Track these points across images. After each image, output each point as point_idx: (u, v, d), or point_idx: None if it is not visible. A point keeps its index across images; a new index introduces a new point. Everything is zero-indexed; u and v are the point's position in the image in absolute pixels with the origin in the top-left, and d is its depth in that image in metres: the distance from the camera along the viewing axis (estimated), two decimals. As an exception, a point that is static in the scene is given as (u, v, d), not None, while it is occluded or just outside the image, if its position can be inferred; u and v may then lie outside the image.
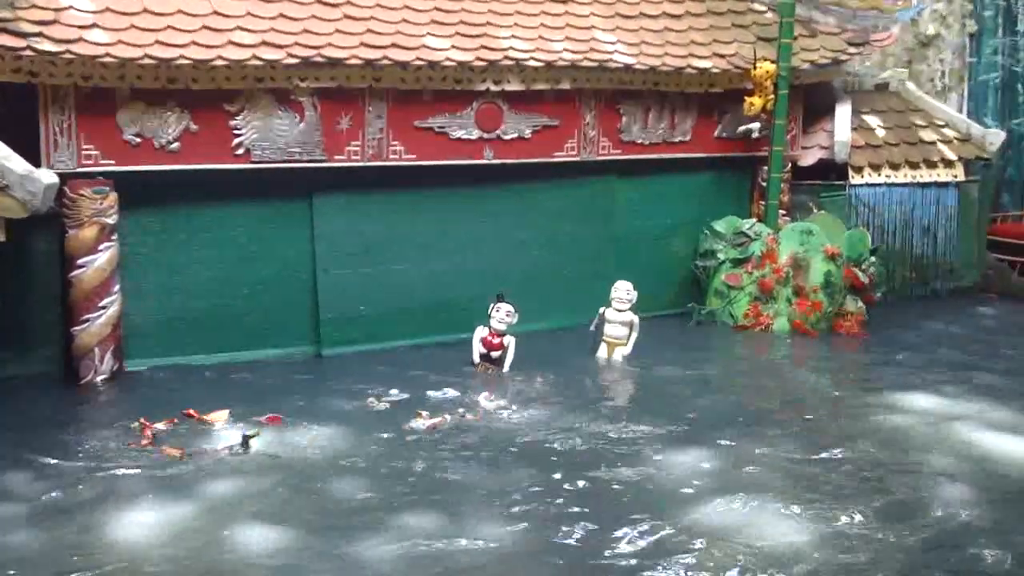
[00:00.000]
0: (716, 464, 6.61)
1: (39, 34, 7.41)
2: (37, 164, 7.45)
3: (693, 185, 10.81)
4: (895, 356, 9.39)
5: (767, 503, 5.98)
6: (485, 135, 9.41)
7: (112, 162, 8.03)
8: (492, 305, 8.56)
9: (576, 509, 5.88)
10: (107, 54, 7.61)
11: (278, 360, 8.92)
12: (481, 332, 8.63)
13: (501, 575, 5.16)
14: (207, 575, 5.10)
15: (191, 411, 7.27)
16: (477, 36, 9.13)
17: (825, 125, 11.33)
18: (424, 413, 7.35)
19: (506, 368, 8.59)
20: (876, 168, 11.32)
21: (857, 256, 10.29)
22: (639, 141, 10.26)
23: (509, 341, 8.62)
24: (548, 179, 9.97)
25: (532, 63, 9.26)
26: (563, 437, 7.10)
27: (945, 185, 11.62)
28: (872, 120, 11.63)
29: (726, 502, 5.98)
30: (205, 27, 8.07)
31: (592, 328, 8.97)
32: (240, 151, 8.44)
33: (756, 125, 10.60)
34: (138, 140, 8.09)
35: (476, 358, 8.61)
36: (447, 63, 8.86)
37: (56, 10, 7.59)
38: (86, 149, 7.93)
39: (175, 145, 8.20)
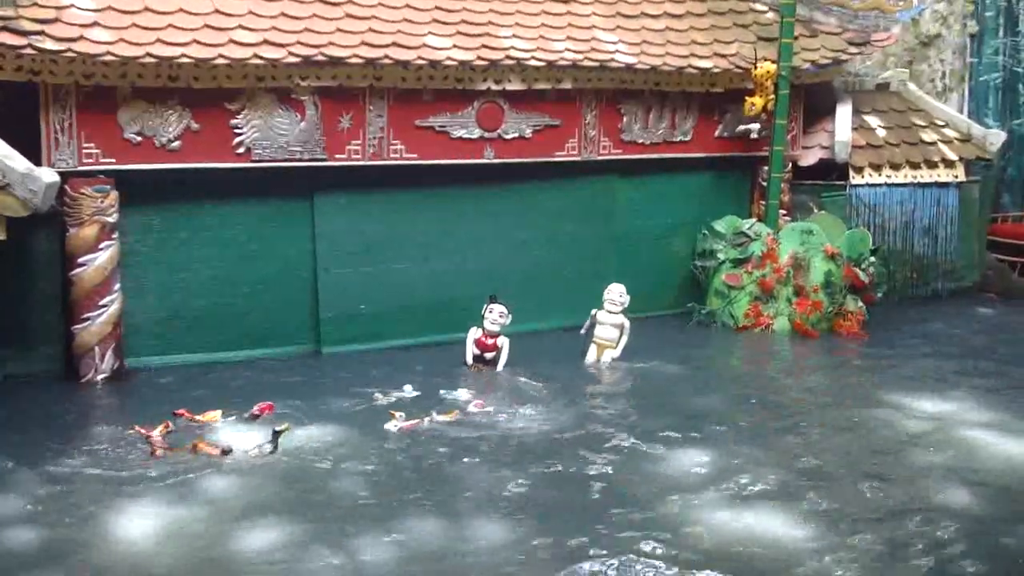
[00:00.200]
0: (715, 464, 6.61)
1: (40, 32, 7.41)
2: (38, 163, 7.46)
3: (694, 185, 10.81)
4: (895, 356, 9.39)
5: (765, 502, 5.98)
6: (486, 134, 9.42)
7: (113, 161, 8.03)
8: (485, 306, 8.56)
9: (574, 509, 5.88)
10: (108, 52, 7.61)
11: (278, 359, 8.93)
12: (475, 333, 8.64)
13: (501, 574, 5.16)
14: (207, 574, 5.10)
15: (183, 411, 7.25)
16: (478, 35, 9.13)
17: (826, 125, 11.33)
18: (398, 414, 7.30)
19: (499, 369, 8.57)
20: (877, 168, 11.32)
21: (857, 256, 10.29)
22: (640, 141, 10.26)
23: (503, 342, 8.62)
24: (549, 179, 9.97)
25: (533, 63, 9.26)
26: (561, 437, 7.11)
27: (946, 185, 11.61)
28: (873, 120, 11.63)
29: (725, 502, 5.98)
30: (206, 26, 8.07)
31: (583, 332, 8.96)
32: (241, 150, 8.44)
33: (756, 125, 10.60)
34: (139, 139, 8.09)
35: (469, 359, 8.62)
36: (448, 62, 8.86)
37: (57, 8, 7.59)
38: (87, 148, 7.93)
39: (176, 144, 8.21)
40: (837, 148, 11.06)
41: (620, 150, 10.19)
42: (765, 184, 10.76)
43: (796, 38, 10.36)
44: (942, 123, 11.95)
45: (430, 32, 8.93)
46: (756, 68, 10.13)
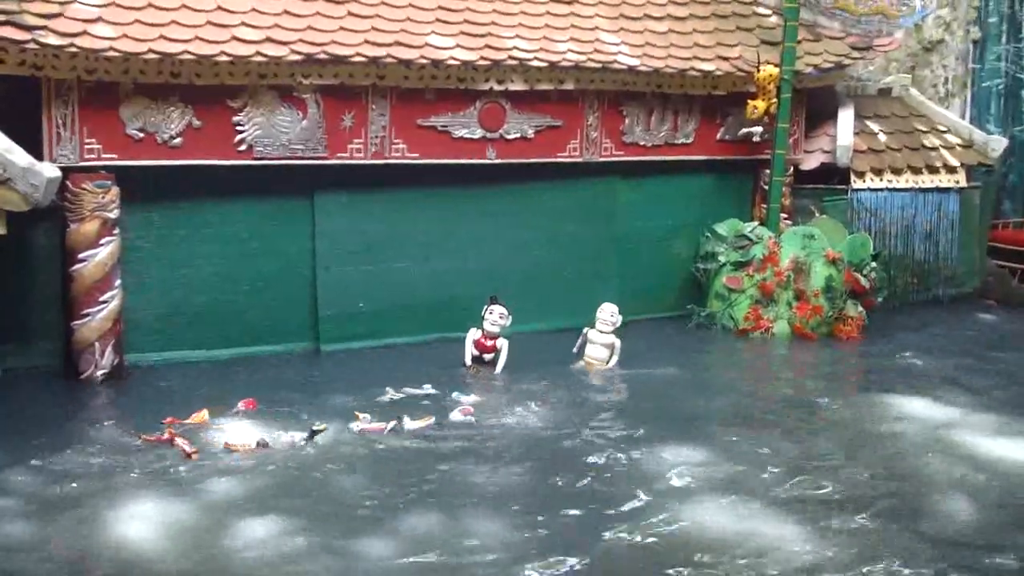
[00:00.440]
0: (713, 466, 6.61)
1: (44, 27, 7.40)
2: (39, 157, 7.45)
3: (695, 187, 10.81)
4: (894, 361, 9.40)
5: (762, 506, 5.98)
6: (488, 135, 9.41)
7: (114, 156, 8.02)
8: (486, 307, 8.54)
9: (572, 509, 5.88)
10: (111, 48, 7.61)
11: (277, 356, 8.94)
12: (474, 334, 8.61)
13: (499, 573, 5.16)
14: (206, 573, 5.10)
15: (171, 419, 7.14)
16: (481, 35, 9.12)
17: (828, 129, 11.33)
18: (363, 416, 7.23)
19: (498, 370, 8.55)
20: (878, 173, 11.32)
21: (858, 261, 10.29)
22: (642, 143, 10.26)
23: (502, 344, 8.59)
24: (550, 179, 9.97)
25: (536, 63, 9.26)
26: (560, 437, 7.11)
27: (947, 191, 11.61)
28: (875, 125, 11.63)
29: (722, 504, 5.99)
30: (209, 23, 8.07)
31: (575, 351, 8.92)
32: (243, 147, 8.43)
33: (759, 128, 10.60)
34: (141, 135, 8.09)
35: (468, 360, 8.60)
36: (451, 62, 8.85)
37: (61, 4, 7.57)
38: (89, 143, 7.93)
39: (178, 140, 8.20)
40: (839, 152, 11.06)
41: (622, 152, 10.19)
42: (766, 187, 10.76)
43: (799, 42, 10.36)
44: (944, 129, 11.96)
45: (433, 32, 8.93)
46: (759, 71, 10.12)
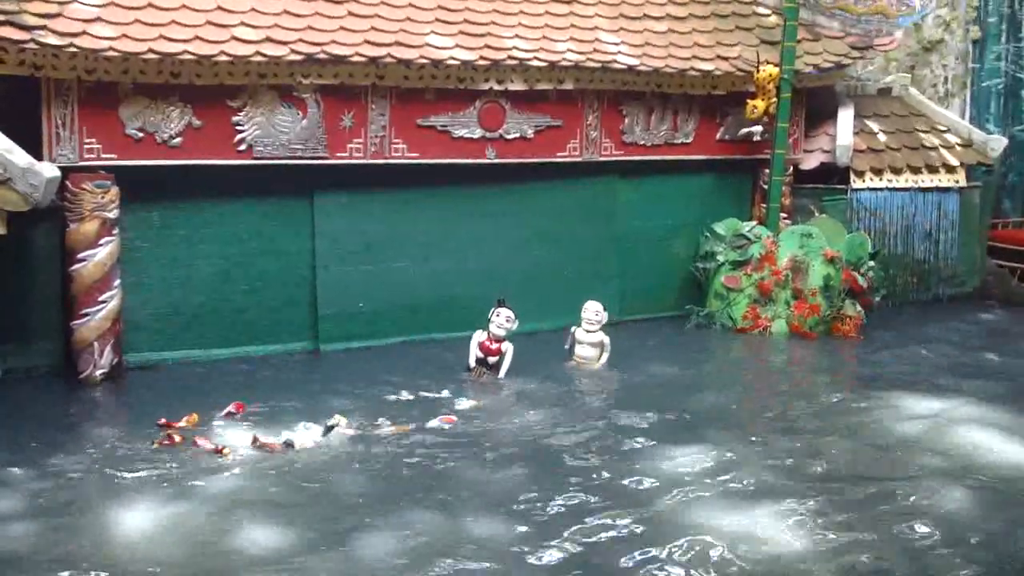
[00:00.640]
0: (711, 465, 6.60)
1: (43, 27, 7.41)
2: (39, 157, 7.46)
3: (695, 187, 10.81)
4: (892, 360, 9.40)
5: (761, 504, 5.98)
6: (487, 134, 9.42)
7: (114, 156, 8.03)
8: (493, 310, 8.50)
9: (571, 510, 5.88)
10: (111, 48, 7.61)
11: (276, 356, 8.94)
12: (479, 337, 8.55)
13: (498, 573, 5.16)
14: (206, 574, 5.10)
15: (164, 420, 7.11)
16: (481, 35, 9.13)
17: (827, 129, 11.34)
18: (342, 420, 7.16)
19: (502, 374, 8.50)
20: (878, 172, 11.32)
21: (856, 260, 10.30)
22: (641, 142, 10.26)
23: (507, 348, 8.54)
24: (550, 179, 9.97)
25: (535, 63, 9.27)
26: (559, 437, 7.11)
27: (947, 190, 11.62)
28: (874, 124, 11.63)
29: (722, 503, 5.98)
30: (209, 22, 8.07)
31: (567, 347, 8.90)
32: (242, 147, 8.44)
33: (758, 128, 10.60)
34: (140, 135, 8.09)
35: (472, 362, 8.55)
36: (450, 62, 8.86)
37: (60, 3, 7.58)
38: (88, 143, 7.93)
39: (177, 140, 8.20)
40: (838, 152, 11.06)
41: (621, 151, 10.19)
42: (766, 187, 10.77)
43: (799, 42, 10.36)
44: (944, 128, 11.96)
45: (432, 31, 8.93)
46: (758, 71, 10.13)
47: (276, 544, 5.39)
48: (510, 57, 9.15)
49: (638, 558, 5.27)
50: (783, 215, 10.79)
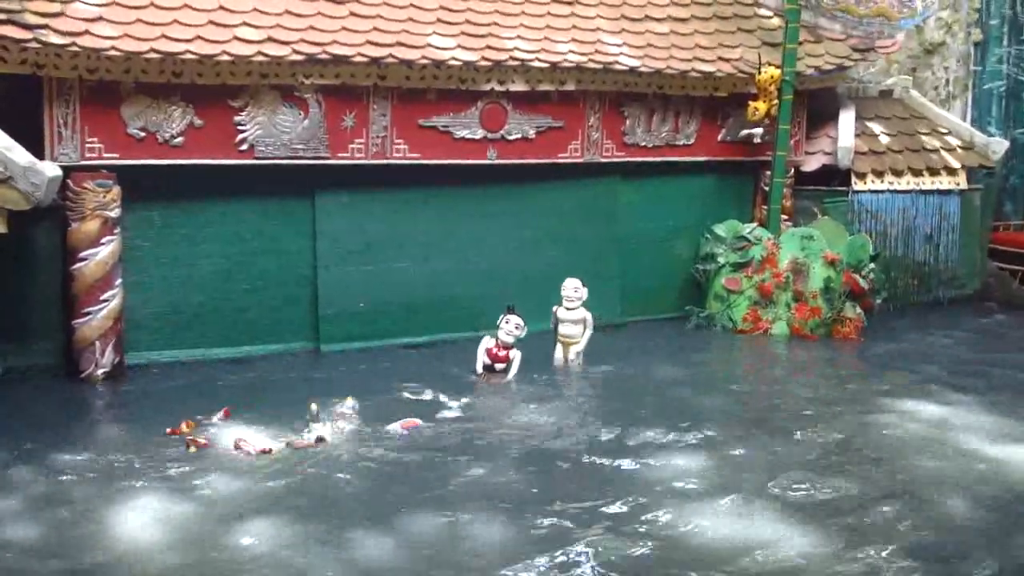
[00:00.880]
0: (711, 467, 6.61)
1: (45, 26, 7.41)
2: (41, 156, 7.45)
3: (696, 188, 10.82)
4: (892, 362, 9.40)
5: (761, 505, 5.99)
6: (489, 135, 9.42)
7: (116, 156, 8.03)
8: (502, 317, 8.47)
9: (570, 510, 5.88)
10: (113, 48, 7.62)
11: (277, 355, 8.94)
12: (487, 343, 8.54)
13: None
14: (207, 573, 5.10)
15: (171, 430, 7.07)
16: (482, 36, 9.13)
17: (829, 131, 11.34)
18: (348, 402, 7.28)
19: (509, 377, 8.47)
20: (879, 174, 11.32)
21: (857, 262, 10.30)
22: (643, 144, 10.27)
23: (515, 355, 8.52)
24: (551, 180, 9.98)
25: (537, 64, 9.27)
26: (558, 438, 7.12)
27: (948, 193, 11.62)
28: (876, 127, 11.63)
29: (721, 506, 5.98)
30: (211, 22, 8.07)
31: (553, 327, 8.88)
32: (244, 147, 8.44)
33: (759, 130, 10.61)
34: (142, 134, 8.09)
35: (479, 368, 8.52)
36: (452, 62, 8.86)
37: (62, 3, 7.58)
38: (90, 142, 7.93)
39: (179, 140, 8.21)
40: (840, 154, 11.07)
41: (623, 153, 10.19)
42: (767, 189, 10.77)
43: (800, 43, 10.36)
44: (945, 131, 11.96)
45: (434, 32, 8.93)
46: (760, 73, 10.13)
47: (276, 543, 5.39)
48: (512, 58, 9.15)
49: (638, 560, 5.27)
50: (784, 217, 10.79)
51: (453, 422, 7.38)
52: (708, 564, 5.28)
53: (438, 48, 8.84)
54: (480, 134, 9.37)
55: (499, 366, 8.51)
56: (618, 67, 9.63)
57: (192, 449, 6.63)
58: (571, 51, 9.47)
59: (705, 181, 10.86)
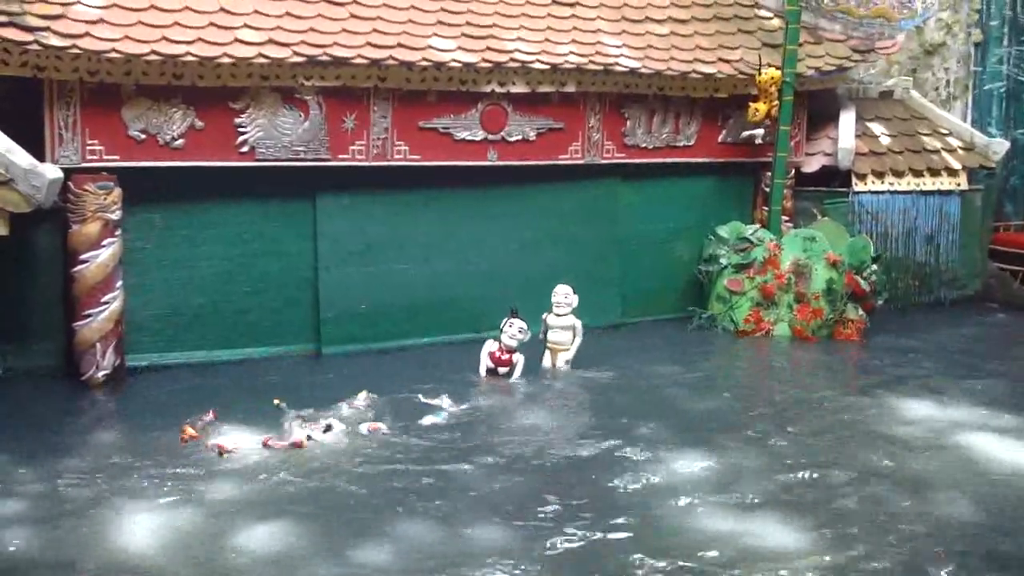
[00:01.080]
0: (712, 469, 6.61)
1: (46, 29, 7.41)
2: (41, 159, 7.46)
3: (697, 190, 10.81)
4: (894, 363, 9.39)
5: (762, 507, 5.98)
6: (489, 137, 9.42)
7: (116, 158, 8.03)
8: (505, 320, 8.48)
9: (572, 513, 5.88)
10: (113, 50, 7.62)
11: (278, 357, 8.93)
12: (490, 347, 8.53)
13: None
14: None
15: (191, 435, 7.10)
16: (483, 38, 9.13)
17: (829, 132, 11.34)
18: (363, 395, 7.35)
19: (513, 380, 8.47)
20: (879, 175, 11.32)
21: (859, 263, 10.29)
22: (643, 145, 10.26)
23: (518, 359, 8.51)
24: (552, 182, 9.97)
25: (537, 65, 9.27)
26: (560, 440, 7.11)
27: (948, 194, 11.61)
28: (876, 127, 11.63)
29: (722, 508, 5.98)
30: (212, 24, 8.07)
31: (541, 336, 8.83)
32: (244, 149, 8.44)
33: (760, 131, 10.61)
34: (143, 136, 8.09)
35: (483, 372, 8.52)
36: (453, 64, 8.86)
37: (63, 5, 7.59)
38: (91, 144, 7.93)
39: (180, 142, 8.20)
40: (840, 155, 11.06)
41: (623, 154, 10.19)
42: (768, 190, 10.76)
43: (801, 45, 10.36)
44: (945, 131, 11.96)
45: (435, 34, 8.93)
46: (760, 74, 10.13)
47: (277, 548, 5.39)
48: (512, 60, 9.15)
49: (638, 564, 5.26)
50: (785, 218, 10.79)
51: (455, 424, 7.37)
52: (710, 565, 5.27)
53: (438, 50, 8.84)
54: (480, 136, 9.37)
55: (502, 369, 8.50)
56: (618, 68, 9.63)
57: (224, 454, 6.63)
58: (571, 52, 9.47)
59: (706, 182, 10.86)
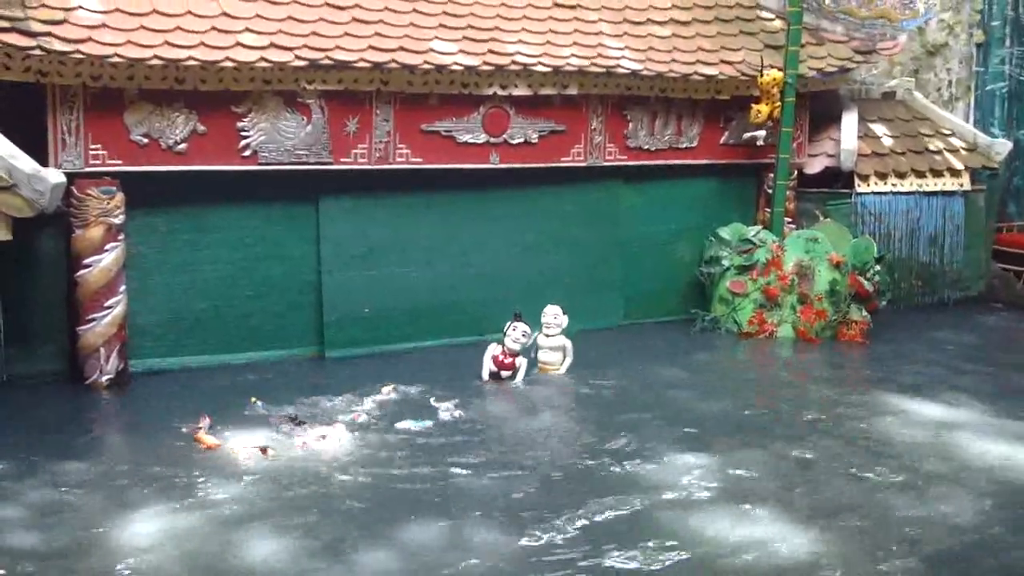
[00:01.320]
0: (715, 470, 6.59)
1: (48, 34, 7.42)
2: (44, 163, 7.47)
3: (699, 191, 10.81)
4: (898, 364, 9.38)
5: (765, 510, 5.97)
6: (492, 139, 9.42)
7: (119, 162, 8.04)
8: (508, 324, 8.47)
9: (574, 514, 5.87)
10: (116, 54, 7.63)
11: (282, 361, 8.93)
12: (493, 350, 8.52)
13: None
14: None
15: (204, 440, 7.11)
16: (485, 41, 9.14)
17: (832, 133, 11.34)
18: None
19: (516, 382, 8.46)
20: (882, 177, 11.31)
21: (862, 264, 10.28)
22: (645, 147, 10.27)
23: (521, 362, 8.50)
24: (554, 184, 9.98)
25: (539, 68, 9.27)
26: (563, 444, 7.11)
27: (951, 194, 11.61)
28: (879, 129, 11.62)
29: (726, 510, 5.97)
30: (214, 28, 8.08)
31: (532, 355, 8.77)
32: (247, 153, 8.45)
33: (762, 132, 10.60)
34: (145, 141, 8.10)
35: (485, 375, 8.51)
36: (454, 67, 8.86)
37: (65, 10, 7.61)
38: (93, 149, 7.94)
39: (182, 146, 8.21)
40: (843, 156, 11.06)
41: (626, 156, 10.19)
42: (770, 191, 10.76)
43: (803, 46, 10.36)
44: (948, 132, 11.95)
45: (436, 37, 8.94)
46: (762, 76, 10.13)
47: (280, 552, 5.38)
48: (514, 62, 9.15)
49: (643, 566, 5.26)
50: (787, 219, 10.78)
51: (457, 427, 7.37)
52: (711, 567, 5.26)
53: (440, 53, 8.85)
54: (483, 138, 9.38)
55: (505, 373, 8.49)
56: (620, 71, 9.63)
57: (271, 454, 6.71)
58: (573, 55, 9.48)
59: (708, 184, 10.86)
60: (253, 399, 7.61)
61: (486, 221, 9.72)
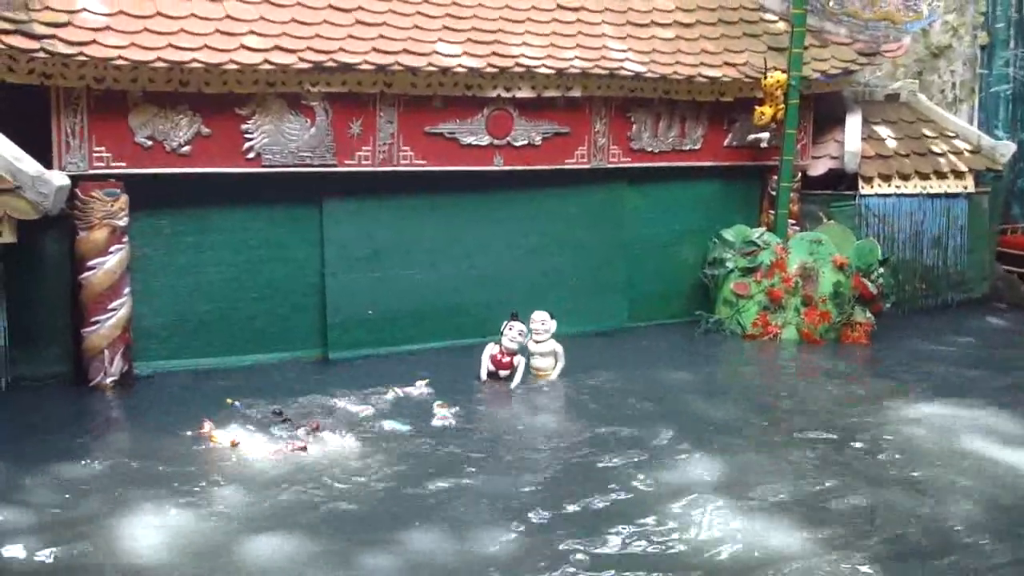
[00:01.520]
0: (719, 473, 6.59)
1: (52, 36, 7.44)
2: (49, 166, 7.49)
3: (703, 193, 10.81)
4: (902, 366, 9.37)
5: (768, 510, 5.97)
6: (495, 141, 9.42)
7: (123, 165, 8.05)
8: (505, 324, 8.47)
9: (576, 516, 5.87)
10: (120, 57, 7.64)
11: (286, 363, 8.94)
12: (491, 349, 8.52)
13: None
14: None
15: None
16: (488, 43, 9.14)
17: (835, 135, 11.33)
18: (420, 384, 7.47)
19: (514, 384, 8.44)
20: (886, 178, 11.31)
21: (866, 266, 10.28)
22: (649, 149, 10.26)
23: (519, 361, 8.50)
24: (558, 186, 9.98)
25: (543, 70, 9.27)
26: (564, 445, 7.10)
27: (955, 196, 11.60)
28: (882, 130, 11.62)
29: (729, 512, 5.96)
30: (218, 31, 8.10)
31: (526, 360, 8.71)
32: (251, 155, 8.46)
33: (766, 134, 10.60)
34: (150, 143, 8.11)
35: (483, 375, 8.52)
36: (458, 69, 8.87)
37: (70, 13, 7.62)
38: (98, 151, 7.95)
39: (186, 148, 8.22)
40: (847, 158, 11.05)
41: (629, 158, 10.19)
42: (774, 193, 10.75)
43: (806, 48, 10.36)
44: (952, 134, 11.95)
45: (440, 39, 8.95)
46: (766, 77, 10.13)
47: (285, 555, 5.39)
48: (518, 64, 9.16)
49: (647, 568, 5.26)
50: (791, 221, 10.78)
51: (457, 428, 7.37)
52: (720, 569, 5.26)
53: (444, 55, 8.85)
54: (486, 140, 9.38)
55: (503, 373, 8.49)
56: (624, 73, 9.63)
57: (302, 449, 6.80)
58: (577, 57, 9.48)
59: (712, 186, 10.85)
60: (229, 400, 7.62)
61: (490, 223, 9.72)
